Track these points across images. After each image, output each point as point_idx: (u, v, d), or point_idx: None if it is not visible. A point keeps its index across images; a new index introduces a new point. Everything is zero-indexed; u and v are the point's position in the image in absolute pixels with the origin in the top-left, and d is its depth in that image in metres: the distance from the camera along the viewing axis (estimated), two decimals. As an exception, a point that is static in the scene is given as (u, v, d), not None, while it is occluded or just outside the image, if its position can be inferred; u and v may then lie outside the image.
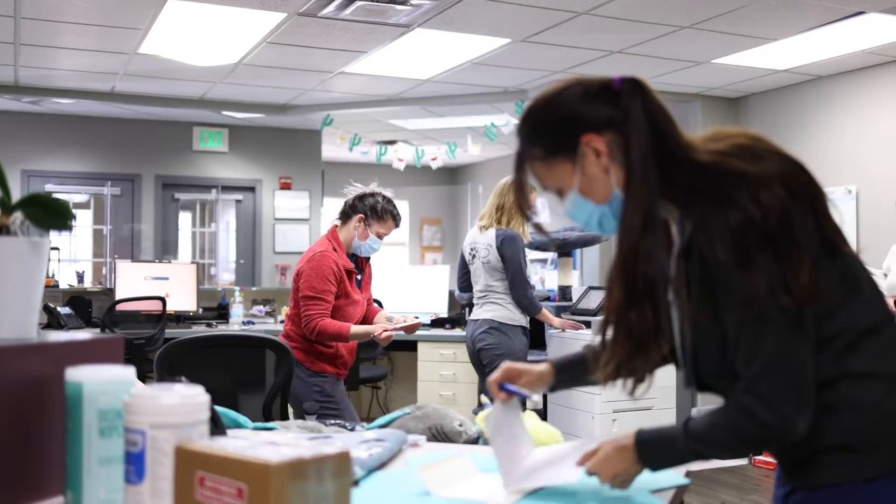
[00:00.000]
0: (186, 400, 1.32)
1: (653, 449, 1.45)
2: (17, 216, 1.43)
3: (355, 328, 3.62)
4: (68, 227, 1.38)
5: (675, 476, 1.63)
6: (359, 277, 3.79)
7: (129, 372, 1.39)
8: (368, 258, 3.89)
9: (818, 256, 1.33)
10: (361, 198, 3.77)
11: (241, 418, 2.05)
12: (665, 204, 1.40)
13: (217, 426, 1.93)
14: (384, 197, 3.78)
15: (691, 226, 1.35)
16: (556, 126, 1.44)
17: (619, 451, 1.48)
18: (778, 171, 1.35)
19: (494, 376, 1.67)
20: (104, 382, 1.35)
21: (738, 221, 1.30)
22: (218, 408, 1.99)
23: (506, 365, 1.68)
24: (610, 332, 1.45)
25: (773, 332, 1.30)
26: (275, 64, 6.14)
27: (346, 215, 3.78)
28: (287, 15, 4.90)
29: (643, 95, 1.41)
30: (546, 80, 6.53)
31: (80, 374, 1.35)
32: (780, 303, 1.29)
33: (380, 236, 3.76)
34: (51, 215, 1.39)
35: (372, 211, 3.72)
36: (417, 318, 3.88)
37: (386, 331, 3.62)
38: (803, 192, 1.36)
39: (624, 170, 1.39)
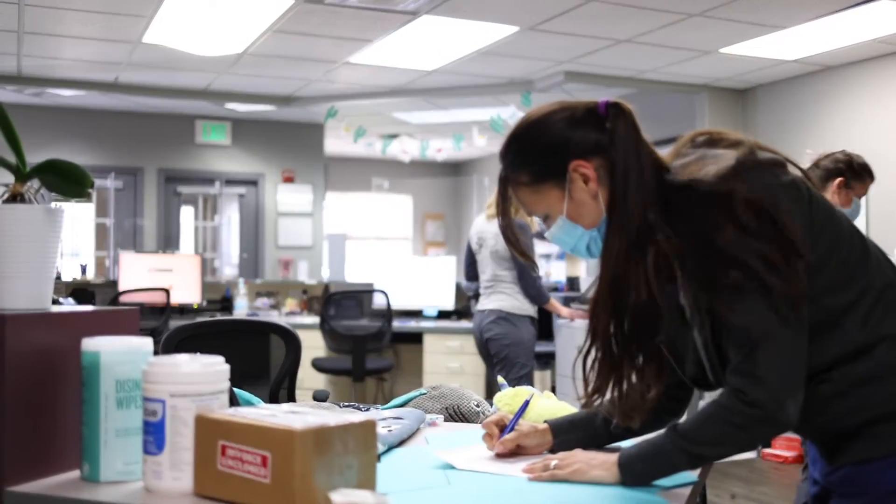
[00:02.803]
0: (207, 368, 1.28)
1: (637, 459, 1.36)
2: (33, 184, 1.39)
3: None
4: (86, 195, 1.34)
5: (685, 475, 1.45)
6: None
7: (147, 342, 1.35)
8: None
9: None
10: (835, 160, 3.28)
11: (255, 399, 2.01)
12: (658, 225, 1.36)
13: (233, 404, 1.90)
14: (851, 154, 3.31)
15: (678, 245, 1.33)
16: (544, 152, 1.42)
17: (597, 464, 1.38)
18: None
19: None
20: (121, 352, 1.31)
21: (719, 240, 1.28)
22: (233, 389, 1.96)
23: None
24: (596, 358, 1.41)
25: (760, 313, 1.27)
26: (280, 53, 6.10)
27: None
28: (294, 2, 4.86)
29: (626, 119, 1.40)
30: (553, 71, 6.49)
31: (97, 344, 1.31)
32: (766, 282, 1.27)
33: (859, 197, 3.36)
34: (68, 182, 1.35)
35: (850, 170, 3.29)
36: None
37: None
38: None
39: (610, 194, 1.38)
